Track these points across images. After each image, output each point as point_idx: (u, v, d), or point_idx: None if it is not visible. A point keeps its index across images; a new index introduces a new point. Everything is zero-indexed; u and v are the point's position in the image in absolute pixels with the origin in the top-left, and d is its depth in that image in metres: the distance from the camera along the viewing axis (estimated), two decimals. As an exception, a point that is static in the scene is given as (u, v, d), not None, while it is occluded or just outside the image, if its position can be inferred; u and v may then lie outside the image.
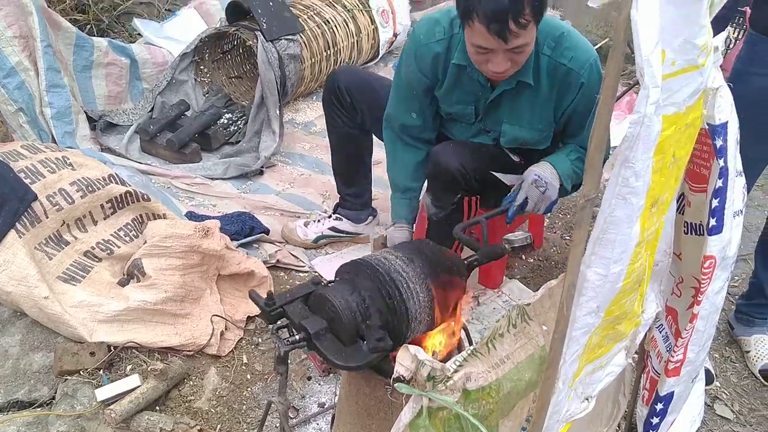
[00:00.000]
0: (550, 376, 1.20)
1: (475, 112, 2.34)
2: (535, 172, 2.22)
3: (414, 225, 2.51)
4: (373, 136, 2.76)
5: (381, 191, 3.07)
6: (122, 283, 2.39)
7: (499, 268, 2.69)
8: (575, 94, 2.20)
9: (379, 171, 2.95)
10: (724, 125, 1.49)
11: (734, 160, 1.57)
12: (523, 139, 2.35)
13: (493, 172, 2.35)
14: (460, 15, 1.99)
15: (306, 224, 2.91)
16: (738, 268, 2.94)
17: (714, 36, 1.53)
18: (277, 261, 2.75)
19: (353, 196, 2.88)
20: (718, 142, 1.50)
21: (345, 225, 2.89)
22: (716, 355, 2.50)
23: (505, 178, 2.36)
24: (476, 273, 2.71)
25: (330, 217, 2.92)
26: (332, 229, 2.88)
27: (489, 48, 1.99)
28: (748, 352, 2.47)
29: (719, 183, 1.53)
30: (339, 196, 2.92)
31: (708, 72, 1.27)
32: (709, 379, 2.37)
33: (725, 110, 1.49)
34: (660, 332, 1.92)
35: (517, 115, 2.30)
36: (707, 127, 1.50)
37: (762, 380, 2.41)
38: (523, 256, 2.88)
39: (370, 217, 2.95)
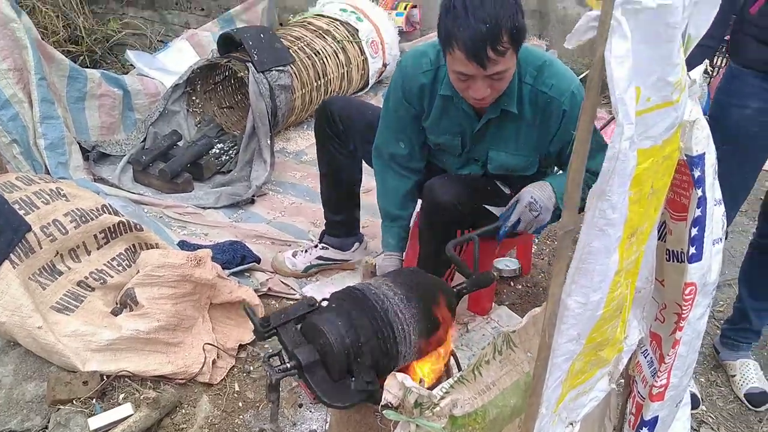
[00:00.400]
0: (534, 402, 1.23)
1: (462, 143, 2.39)
2: (532, 194, 2.25)
3: (404, 253, 2.55)
4: (363, 164, 2.81)
5: (371, 218, 3.10)
6: (115, 313, 2.42)
7: (488, 295, 2.73)
8: (559, 121, 2.24)
9: (370, 198, 2.98)
10: (702, 156, 1.54)
11: (712, 190, 1.61)
12: (509, 165, 2.39)
13: (486, 206, 2.39)
14: (441, 43, 2.05)
15: (294, 255, 2.94)
16: (723, 293, 2.99)
17: (693, 69, 1.60)
18: (269, 289, 2.79)
19: (340, 223, 2.91)
20: (696, 173, 1.55)
21: (332, 253, 2.92)
22: (702, 380, 2.53)
23: (497, 211, 2.41)
24: (465, 299, 2.74)
25: (317, 246, 2.95)
26: (320, 258, 2.92)
27: (469, 74, 2.03)
28: (734, 376, 2.51)
29: (698, 212, 1.58)
30: (325, 222, 2.95)
31: (683, 107, 1.32)
32: (695, 403, 2.40)
33: (702, 142, 1.54)
34: (645, 357, 1.96)
35: (503, 143, 2.34)
36: (685, 158, 1.55)
37: (747, 404, 2.45)
38: (512, 283, 2.92)
39: (356, 244, 2.97)
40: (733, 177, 2.12)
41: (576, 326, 1.28)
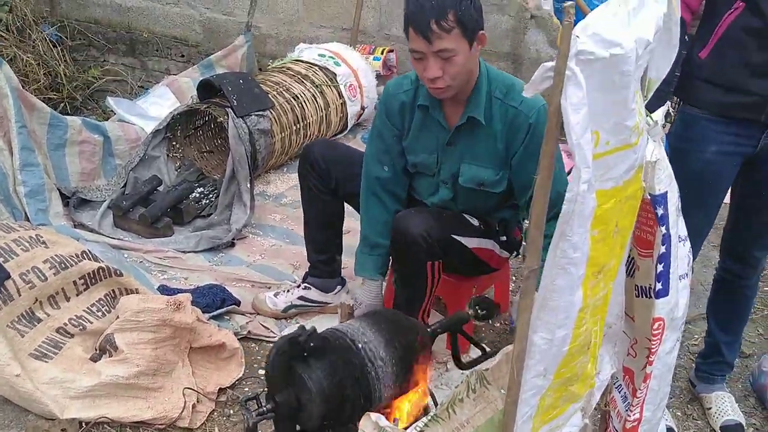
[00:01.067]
0: (506, 438, 1.26)
1: (437, 159, 2.49)
2: None
3: (384, 282, 2.59)
4: (345, 205, 2.85)
5: (351, 261, 3.10)
6: (94, 359, 2.42)
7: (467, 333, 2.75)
8: (525, 134, 2.35)
9: (348, 240, 3.01)
10: (664, 195, 1.60)
11: (676, 227, 1.67)
12: (480, 178, 2.47)
13: (455, 236, 2.45)
14: (404, 29, 2.25)
15: (276, 295, 2.95)
16: (698, 327, 3.03)
17: (654, 111, 1.66)
18: (249, 332, 2.79)
19: (324, 263, 2.93)
20: (660, 211, 1.60)
21: (314, 294, 2.93)
22: (678, 413, 2.56)
23: (466, 241, 2.47)
24: (444, 338, 2.76)
25: (299, 286, 2.96)
26: (301, 298, 2.92)
27: (420, 51, 2.21)
28: (710, 408, 2.54)
29: (663, 249, 1.63)
30: (309, 263, 2.97)
31: (642, 149, 1.38)
32: None
33: (664, 181, 1.59)
34: (619, 392, 1.99)
35: (473, 154, 2.44)
36: (649, 197, 1.61)
37: None
38: (490, 321, 2.95)
39: (339, 287, 2.98)
40: (697, 215, 2.18)
41: (542, 361, 1.32)
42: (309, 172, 2.75)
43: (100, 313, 2.55)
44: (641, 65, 1.27)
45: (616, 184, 1.33)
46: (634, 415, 1.81)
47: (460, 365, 2.28)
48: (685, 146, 2.24)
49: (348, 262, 3.04)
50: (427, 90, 2.37)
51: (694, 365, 2.70)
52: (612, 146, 1.26)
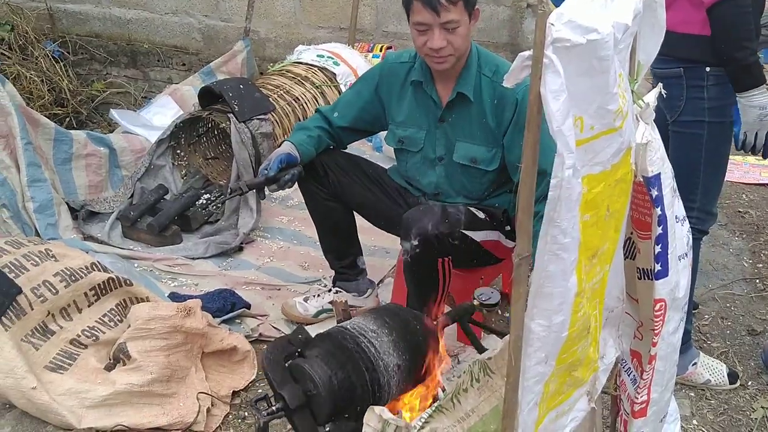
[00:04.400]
0: (508, 425, 1.28)
1: (425, 136, 2.58)
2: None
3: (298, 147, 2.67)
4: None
5: (367, 257, 3.09)
6: (108, 368, 2.45)
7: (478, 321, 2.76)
8: (513, 110, 2.43)
9: (363, 239, 3.00)
10: (657, 176, 1.60)
11: (672, 208, 1.67)
12: (473, 155, 2.53)
13: (464, 231, 2.46)
14: (404, 4, 2.36)
15: (306, 299, 2.94)
16: (708, 307, 3.03)
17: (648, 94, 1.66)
18: (260, 335, 2.82)
19: (348, 267, 2.93)
20: (654, 192, 1.61)
21: (345, 298, 2.92)
22: (692, 394, 2.56)
23: (475, 235, 2.49)
24: (455, 330, 2.78)
25: (330, 291, 2.96)
26: (333, 303, 2.90)
27: (425, 24, 2.31)
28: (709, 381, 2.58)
29: (659, 230, 1.63)
30: (333, 270, 2.97)
31: (627, 132, 1.38)
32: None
33: (657, 163, 1.59)
34: (628, 375, 1.99)
35: (465, 130, 2.53)
36: (642, 179, 1.61)
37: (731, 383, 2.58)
38: (499, 311, 2.96)
39: (369, 290, 2.97)
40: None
41: (542, 348, 1.33)
42: (307, 179, 2.74)
43: (112, 323, 2.58)
44: (622, 48, 1.28)
45: (605, 168, 1.34)
46: (642, 397, 1.82)
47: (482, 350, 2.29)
48: None
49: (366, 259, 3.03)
50: (422, 67, 2.50)
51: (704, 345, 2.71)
52: (597, 131, 1.26)
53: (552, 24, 1.05)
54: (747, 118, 2.23)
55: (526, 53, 1.07)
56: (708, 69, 2.25)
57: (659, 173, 1.60)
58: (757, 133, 2.26)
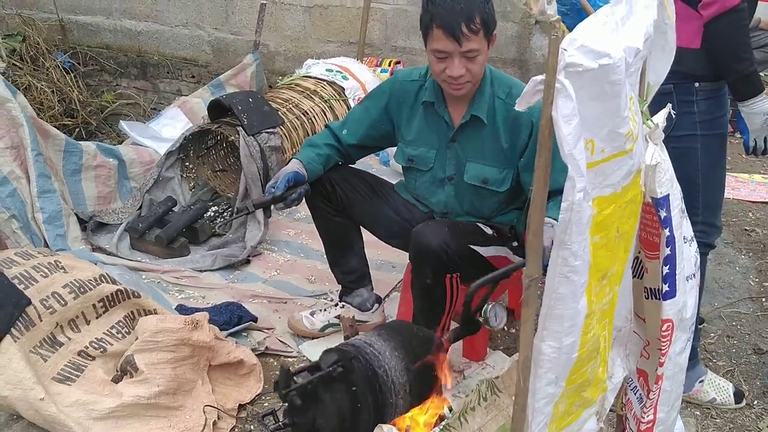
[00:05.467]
0: (516, 445, 1.28)
1: (437, 157, 2.58)
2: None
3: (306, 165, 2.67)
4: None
5: (373, 271, 3.08)
6: (116, 380, 2.46)
7: (482, 341, 2.77)
8: (528, 133, 2.44)
9: (369, 253, 3.00)
10: (666, 197, 1.61)
11: (680, 229, 1.68)
12: (484, 176, 2.54)
13: (472, 246, 2.47)
14: (422, 28, 2.35)
15: (312, 314, 2.94)
16: (713, 325, 3.03)
17: (656, 114, 1.68)
18: (266, 348, 2.83)
19: (354, 281, 2.93)
20: (662, 213, 1.62)
21: (352, 313, 2.92)
22: (697, 413, 2.55)
23: (483, 251, 2.49)
24: (461, 346, 2.78)
25: (336, 305, 2.95)
26: (339, 317, 2.89)
27: (446, 51, 2.30)
28: (714, 399, 2.58)
29: (667, 251, 1.64)
30: (340, 285, 2.97)
31: (638, 154, 1.39)
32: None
33: (666, 184, 1.61)
34: (635, 394, 2.00)
35: (477, 152, 2.53)
36: (651, 200, 1.62)
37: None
38: (506, 327, 2.96)
39: (376, 305, 2.96)
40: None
41: (553, 370, 1.33)
42: (314, 194, 2.74)
43: (119, 335, 2.59)
44: (633, 72, 1.30)
45: (615, 190, 1.35)
46: (648, 416, 1.82)
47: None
48: None
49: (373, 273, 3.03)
50: (434, 87, 2.50)
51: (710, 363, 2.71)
52: (608, 154, 1.28)
53: (565, 49, 1.07)
54: (753, 125, 2.31)
55: (539, 78, 1.08)
56: (697, 85, 2.30)
57: (668, 194, 1.62)
58: (766, 138, 2.34)
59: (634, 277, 1.77)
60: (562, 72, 1.07)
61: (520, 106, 1.12)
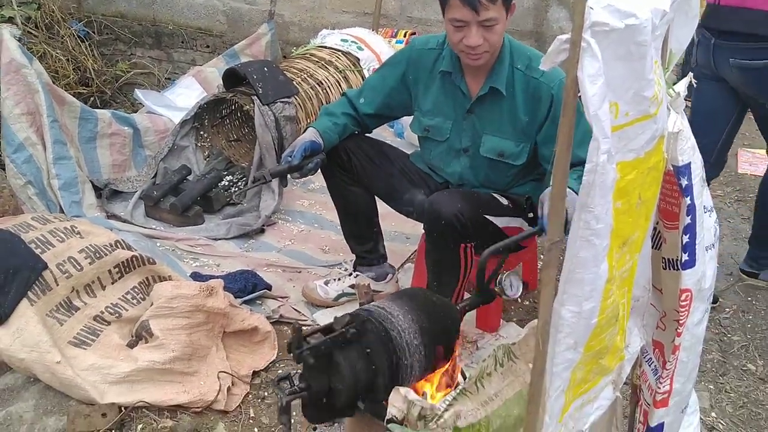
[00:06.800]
0: (532, 410, 1.28)
1: (452, 126, 2.56)
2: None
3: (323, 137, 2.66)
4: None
5: (388, 243, 3.08)
6: (131, 345, 2.48)
7: (496, 312, 2.77)
8: (548, 106, 2.40)
9: (384, 224, 3.00)
10: (688, 165, 1.59)
11: (701, 198, 1.66)
12: (501, 148, 2.51)
13: (486, 216, 2.46)
14: (442, 0, 2.30)
15: (327, 283, 2.95)
16: (729, 300, 3.01)
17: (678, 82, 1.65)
18: (280, 316, 2.84)
19: (368, 252, 2.94)
20: (683, 182, 1.60)
21: (367, 280, 2.92)
22: (711, 387, 2.55)
23: (497, 221, 2.48)
24: (474, 317, 2.78)
25: (350, 275, 2.97)
26: (353, 287, 2.91)
27: (463, 21, 2.26)
28: None
29: (688, 219, 1.62)
30: (354, 255, 2.98)
31: (662, 119, 1.37)
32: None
33: (687, 152, 1.58)
34: (650, 366, 1.99)
35: (494, 124, 2.50)
36: (672, 168, 1.60)
37: None
38: (519, 299, 2.96)
39: (390, 275, 2.97)
40: None
41: (572, 335, 1.33)
42: (329, 164, 2.73)
43: (135, 301, 2.61)
44: (658, 35, 1.27)
45: (638, 156, 1.33)
46: (663, 387, 1.81)
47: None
48: None
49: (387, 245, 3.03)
50: (451, 56, 2.46)
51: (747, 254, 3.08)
52: (632, 117, 1.26)
53: (591, 7, 1.05)
54: None
55: (564, 36, 1.06)
56: None
57: (689, 162, 1.59)
58: None
59: (652, 247, 1.76)
60: (588, 31, 1.05)
61: (544, 66, 1.10)
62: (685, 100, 1.63)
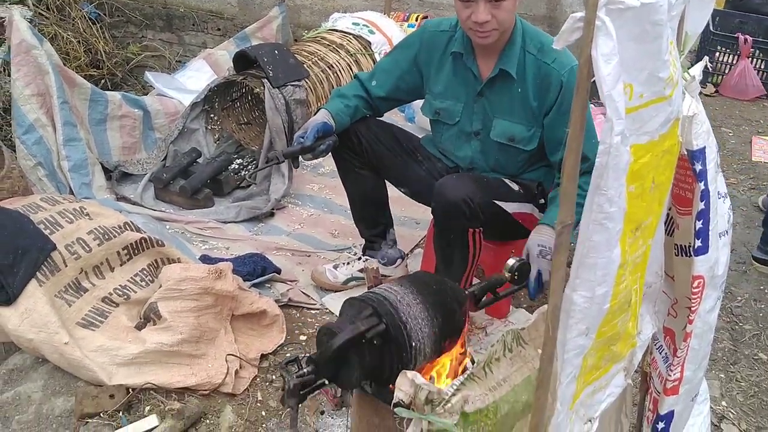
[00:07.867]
0: (541, 396, 1.26)
1: (464, 110, 2.53)
2: (538, 242, 2.33)
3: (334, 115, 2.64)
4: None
5: (397, 227, 3.07)
6: (139, 327, 2.48)
7: (506, 298, 2.75)
8: (557, 92, 2.36)
9: (393, 209, 2.98)
10: (702, 150, 1.56)
11: (715, 183, 1.63)
12: (511, 133, 2.48)
13: (496, 201, 2.44)
14: None
15: (336, 267, 2.95)
16: (741, 288, 2.98)
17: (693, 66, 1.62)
18: (289, 299, 2.83)
19: (378, 236, 2.93)
20: (698, 167, 1.57)
21: (376, 264, 2.91)
22: (722, 375, 2.53)
23: (507, 206, 2.46)
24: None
25: (360, 259, 2.96)
26: (362, 271, 2.91)
27: None
28: None
29: (701, 205, 1.59)
30: (364, 239, 2.97)
31: (677, 102, 1.34)
32: None
33: (702, 136, 1.56)
34: (660, 353, 1.97)
35: (505, 107, 2.47)
36: (686, 152, 1.58)
37: None
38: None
39: (399, 260, 2.95)
40: None
41: (584, 320, 1.31)
42: (340, 147, 2.71)
43: (143, 283, 2.61)
44: (675, 15, 1.24)
45: (652, 138, 1.30)
46: (674, 374, 1.79)
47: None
48: None
49: (397, 229, 3.01)
50: (463, 38, 2.44)
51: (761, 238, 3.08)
52: (646, 99, 1.23)
53: (606, -16, 1.02)
54: None
55: (578, 14, 1.04)
56: None
57: (704, 147, 1.57)
58: None
59: (665, 233, 1.74)
60: (602, 9, 1.02)
61: (557, 44, 1.07)
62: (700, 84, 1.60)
